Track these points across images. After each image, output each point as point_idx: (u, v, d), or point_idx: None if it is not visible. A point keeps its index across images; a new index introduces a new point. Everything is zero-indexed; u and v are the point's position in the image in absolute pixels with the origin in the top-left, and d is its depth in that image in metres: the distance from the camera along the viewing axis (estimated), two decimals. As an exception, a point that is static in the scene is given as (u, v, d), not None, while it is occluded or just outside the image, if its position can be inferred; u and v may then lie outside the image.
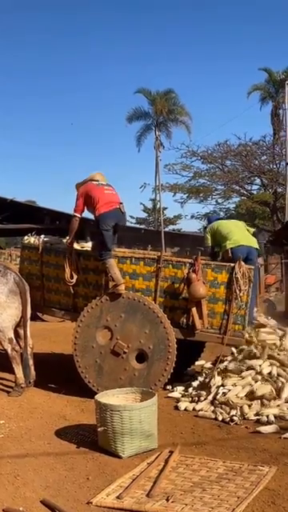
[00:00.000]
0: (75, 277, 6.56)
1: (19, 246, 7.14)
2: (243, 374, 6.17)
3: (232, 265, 6.33)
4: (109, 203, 6.52)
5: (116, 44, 76.57)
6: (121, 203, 6.63)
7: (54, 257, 6.88)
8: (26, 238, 7.38)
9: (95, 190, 6.59)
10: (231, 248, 7.03)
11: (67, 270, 6.55)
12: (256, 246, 7.44)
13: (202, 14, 72.39)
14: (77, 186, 6.83)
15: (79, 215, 6.71)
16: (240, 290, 6.22)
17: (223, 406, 5.79)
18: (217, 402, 5.88)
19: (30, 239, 7.25)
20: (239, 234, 7.34)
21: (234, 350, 6.65)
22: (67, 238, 6.92)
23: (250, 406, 5.74)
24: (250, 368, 6.23)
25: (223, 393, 5.94)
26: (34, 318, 8.15)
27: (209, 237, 7.49)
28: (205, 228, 8.20)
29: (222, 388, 6.01)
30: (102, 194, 6.57)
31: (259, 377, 6.07)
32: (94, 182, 6.69)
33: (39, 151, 75.89)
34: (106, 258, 6.41)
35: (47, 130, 78.09)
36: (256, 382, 6.03)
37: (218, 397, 5.93)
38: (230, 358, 6.58)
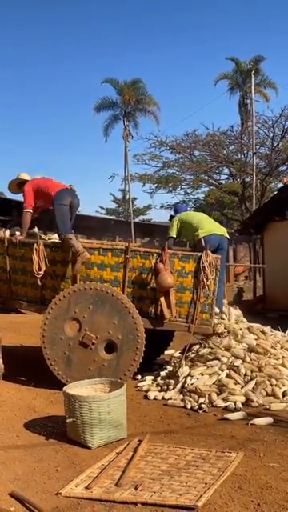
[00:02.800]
0: (43, 269, 6.53)
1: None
2: (209, 363, 6.24)
3: (199, 254, 6.38)
4: (60, 185, 7.04)
5: (82, 35, 75.93)
6: (70, 185, 7.15)
7: (20, 249, 6.83)
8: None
9: (43, 181, 7.11)
10: (204, 237, 7.05)
11: (35, 261, 6.51)
12: (227, 235, 7.51)
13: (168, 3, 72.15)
14: (10, 184, 7.35)
15: (31, 210, 7.03)
16: (207, 279, 6.29)
17: (192, 394, 5.86)
18: (185, 390, 5.95)
19: (-4, 232, 7.20)
20: (210, 224, 7.42)
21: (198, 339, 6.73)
22: (18, 233, 7.05)
23: (217, 393, 5.82)
24: (215, 358, 6.30)
25: (191, 383, 6.00)
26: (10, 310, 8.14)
27: (175, 227, 7.50)
28: (171, 217, 8.12)
29: (189, 378, 6.07)
30: (50, 181, 7.13)
31: (225, 366, 6.14)
32: (37, 177, 7.24)
33: (4, 143, 74.93)
34: (66, 232, 6.63)
35: (11, 121, 77.04)
36: (222, 371, 6.10)
37: (186, 385, 5.99)
38: (197, 348, 6.65)
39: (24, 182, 7.16)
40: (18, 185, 7.26)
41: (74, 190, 7.16)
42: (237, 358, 6.19)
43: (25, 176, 7.29)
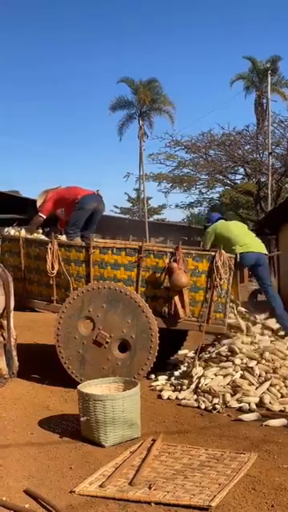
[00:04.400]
0: (56, 268, 6.55)
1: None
2: (223, 364, 6.22)
3: (212, 254, 6.37)
4: (86, 191, 7.18)
5: (98, 33, 76.05)
6: (97, 190, 7.28)
7: (34, 248, 6.86)
8: (6, 230, 7.37)
9: (68, 190, 7.32)
10: (241, 253, 6.92)
11: (48, 261, 6.55)
12: (265, 251, 7.43)
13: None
14: (38, 202, 7.50)
15: (45, 216, 7.27)
16: (221, 279, 6.27)
17: (206, 394, 5.84)
18: (199, 390, 5.94)
19: (10, 231, 7.25)
20: (249, 239, 7.22)
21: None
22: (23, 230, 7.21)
23: (232, 394, 5.80)
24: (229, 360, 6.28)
25: (205, 383, 5.99)
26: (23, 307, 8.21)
27: (209, 240, 7.27)
28: (205, 227, 7.88)
29: (203, 379, 6.05)
30: (76, 188, 7.30)
31: (239, 368, 6.12)
32: (62, 187, 7.44)
33: (22, 141, 75.27)
34: (74, 236, 6.89)
35: (25, 119, 77.30)
36: (236, 372, 6.08)
37: (200, 385, 5.98)
38: (211, 348, 6.64)
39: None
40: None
41: (101, 195, 7.25)
42: (251, 359, 6.16)
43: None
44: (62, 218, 7.53)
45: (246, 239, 7.13)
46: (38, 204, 7.51)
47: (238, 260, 6.77)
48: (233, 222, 7.55)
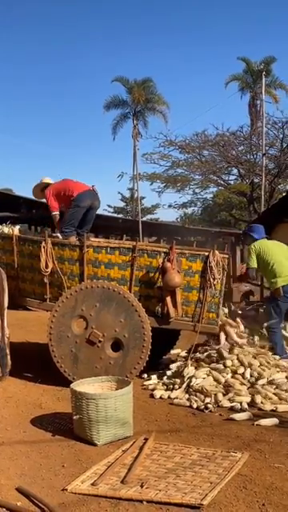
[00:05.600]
0: (50, 266, 6.55)
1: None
2: (214, 365, 6.26)
3: (206, 253, 6.39)
4: (82, 186, 7.20)
5: (92, 33, 76.01)
6: (93, 186, 7.30)
7: (28, 246, 6.86)
8: (-1, 228, 7.37)
9: (62, 185, 7.28)
10: (283, 286, 6.77)
11: (42, 259, 6.55)
12: None
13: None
14: (34, 190, 7.56)
15: (57, 212, 7.33)
16: (214, 279, 6.30)
17: (198, 393, 5.87)
18: (191, 390, 5.96)
19: (4, 229, 7.26)
20: None
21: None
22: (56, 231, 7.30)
23: (223, 393, 5.83)
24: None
25: (197, 383, 6.01)
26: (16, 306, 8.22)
27: (254, 258, 7.02)
28: (244, 233, 7.72)
29: (194, 379, 6.07)
30: (71, 183, 7.27)
31: (229, 369, 6.16)
32: (58, 181, 7.40)
33: (14, 138, 75.08)
34: (69, 234, 6.95)
35: (21, 118, 77.09)
36: (227, 374, 6.11)
37: (191, 384, 6.01)
38: (203, 348, 6.67)
39: (47, 185, 7.33)
40: (42, 189, 7.41)
41: (96, 191, 7.28)
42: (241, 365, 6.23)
43: (47, 180, 7.49)
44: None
45: (286, 269, 6.84)
46: (34, 192, 7.62)
47: (281, 293, 6.70)
48: (276, 245, 7.16)
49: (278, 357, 6.55)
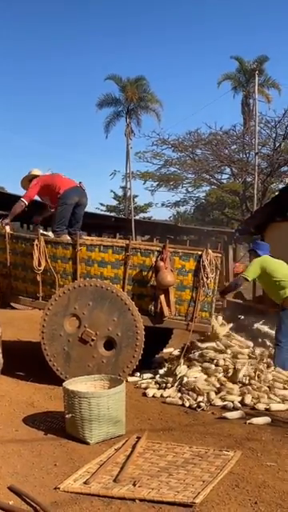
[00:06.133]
0: (43, 264, 6.53)
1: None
2: (206, 364, 6.28)
3: (199, 252, 6.40)
4: (70, 183, 7.14)
5: (85, 30, 75.85)
6: (80, 182, 7.23)
7: (21, 244, 6.83)
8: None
9: (51, 178, 7.20)
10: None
11: (35, 257, 6.52)
12: None
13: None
14: (22, 181, 7.43)
15: (27, 202, 7.16)
16: (207, 278, 6.30)
17: (190, 392, 5.87)
18: (184, 388, 5.97)
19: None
20: None
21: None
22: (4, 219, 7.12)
23: (216, 392, 5.84)
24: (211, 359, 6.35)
25: (188, 381, 6.02)
26: (4, 305, 8.17)
27: (254, 271, 6.98)
28: (251, 250, 7.51)
29: (186, 378, 6.09)
30: (59, 178, 7.21)
31: (221, 368, 6.19)
32: (47, 173, 7.32)
33: (6, 135, 74.78)
34: (61, 233, 6.87)
35: (12, 113, 76.69)
36: (220, 373, 6.13)
37: (184, 383, 6.01)
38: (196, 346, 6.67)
39: (35, 177, 7.25)
40: (30, 181, 7.31)
41: (84, 187, 7.24)
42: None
43: (36, 171, 7.38)
44: (48, 204, 7.51)
45: None
46: (22, 183, 7.47)
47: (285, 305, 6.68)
48: (277, 262, 7.07)
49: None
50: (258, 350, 6.67)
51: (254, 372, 6.08)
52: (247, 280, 7.16)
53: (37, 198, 7.46)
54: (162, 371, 6.61)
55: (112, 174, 37.15)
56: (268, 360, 6.46)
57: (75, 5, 75.85)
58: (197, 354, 6.49)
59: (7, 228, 7.07)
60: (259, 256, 7.03)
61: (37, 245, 6.53)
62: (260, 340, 7.66)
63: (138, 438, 4.62)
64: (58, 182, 7.20)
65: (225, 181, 31.58)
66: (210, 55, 72.42)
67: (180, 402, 5.77)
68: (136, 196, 40.17)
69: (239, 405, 5.59)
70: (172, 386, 6.11)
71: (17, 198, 7.42)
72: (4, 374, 6.50)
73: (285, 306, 6.70)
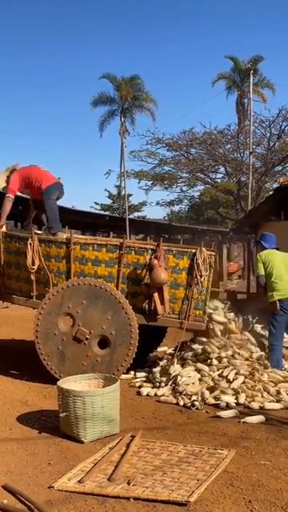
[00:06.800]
0: (37, 263, 6.52)
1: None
2: (199, 365, 6.28)
3: (193, 251, 6.40)
4: (50, 178, 7.15)
5: (80, 28, 75.76)
6: (59, 178, 7.27)
7: (14, 243, 6.81)
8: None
9: (33, 171, 7.17)
10: (279, 300, 6.68)
11: (29, 256, 6.50)
12: None
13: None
14: (2, 175, 7.32)
15: (12, 196, 7.10)
16: (201, 276, 6.30)
17: (184, 391, 5.87)
18: (178, 387, 5.96)
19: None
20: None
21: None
22: None
23: (210, 391, 5.84)
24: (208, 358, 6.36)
25: (183, 381, 6.02)
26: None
27: (261, 266, 6.89)
28: (257, 242, 7.58)
29: (179, 377, 6.08)
30: (40, 171, 7.19)
31: (215, 367, 6.20)
32: (26, 166, 7.27)
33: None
34: (58, 231, 6.89)
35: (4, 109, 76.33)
36: (214, 372, 6.13)
37: (178, 382, 6.01)
38: (189, 345, 6.68)
39: (13, 171, 7.22)
40: (8, 177, 7.24)
41: (62, 183, 7.28)
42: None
43: (11, 167, 7.33)
44: (30, 198, 7.49)
45: (285, 285, 6.74)
46: (1, 186, 7.35)
47: (278, 307, 6.62)
48: (282, 258, 6.95)
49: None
50: (255, 355, 6.62)
51: (250, 372, 6.08)
52: (262, 275, 6.93)
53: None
54: (155, 370, 6.61)
55: (107, 173, 37.21)
56: (265, 362, 6.45)
57: (71, 3, 75.48)
58: (190, 353, 6.49)
59: (3, 227, 7.06)
60: (265, 248, 7.01)
61: (30, 244, 6.52)
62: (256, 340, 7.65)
63: (133, 436, 4.61)
64: (38, 174, 7.16)
65: (219, 180, 31.66)
66: (204, 55, 72.11)
67: (174, 401, 5.77)
68: (130, 195, 40.13)
69: (233, 404, 5.59)
70: (166, 385, 6.10)
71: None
72: (-2, 373, 6.49)
73: (272, 309, 6.67)
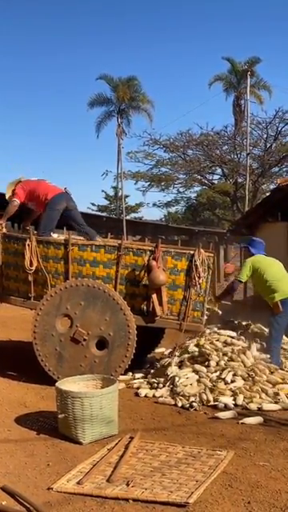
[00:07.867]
0: (34, 264, 6.51)
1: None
2: (196, 366, 6.26)
3: (191, 252, 6.40)
4: (55, 189, 7.13)
5: (78, 29, 75.79)
6: (65, 188, 7.25)
7: (13, 244, 6.81)
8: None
9: (36, 184, 7.17)
10: (281, 300, 6.64)
11: (27, 257, 6.50)
12: None
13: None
14: (8, 187, 7.28)
15: (19, 201, 7.09)
16: (199, 277, 6.31)
17: (182, 392, 5.86)
18: (176, 388, 5.96)
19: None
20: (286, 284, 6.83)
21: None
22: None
23: (208, 392, 5.84)
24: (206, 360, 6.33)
25: (181, 382, 6.02)
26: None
27: (247, 272, 6.82)
28: (244, 246, 7.47)
29: (177, 379, 6.07)
30: (44, 184, 7.19)
31: (213, 369, 6.18)
32: (33, 179, 7.29)
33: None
34: (47, 233, 6.87)
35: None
36: (212, 373, 6.12)
37: (176, 383, 6.01)
38: (187, 346, 6.67)
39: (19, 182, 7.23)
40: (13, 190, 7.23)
41: (69, 192, 7.21)
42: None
43: (21, 178, 7.33)
44: (34, 210, 7.44)
45: (285, 285, 6.71)
46: (8, 196, 7.28)
47: (280, 308, 6.58)
48: (272, 262, 6.95)
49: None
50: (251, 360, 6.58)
51: (248, 373, 6.08)
52: (242, 282, 7.09)
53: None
54: (153, 371, 6.61)
55: (104, 174, 37.18)
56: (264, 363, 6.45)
57: (71, 3, 75.47)
58: (186, 356, 6.48)
59: (4, 229, 7.05)
60: (252, 254, 6.98)
61: (28, 245, 6.52)
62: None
63: (131, 437, 4.61)
64: (45, 188, 7.15)
65: (216, 181, 31.66)
66: (202, 56, 72.30)
67: (172, 402, 5.76)
68: (127, 196, 40.15)
69: (231, 405, 5.59)
70: (164, 386, 6.10)
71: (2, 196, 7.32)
72: (-5, 374, 6.48)
73: (274, 312, 6.67)
